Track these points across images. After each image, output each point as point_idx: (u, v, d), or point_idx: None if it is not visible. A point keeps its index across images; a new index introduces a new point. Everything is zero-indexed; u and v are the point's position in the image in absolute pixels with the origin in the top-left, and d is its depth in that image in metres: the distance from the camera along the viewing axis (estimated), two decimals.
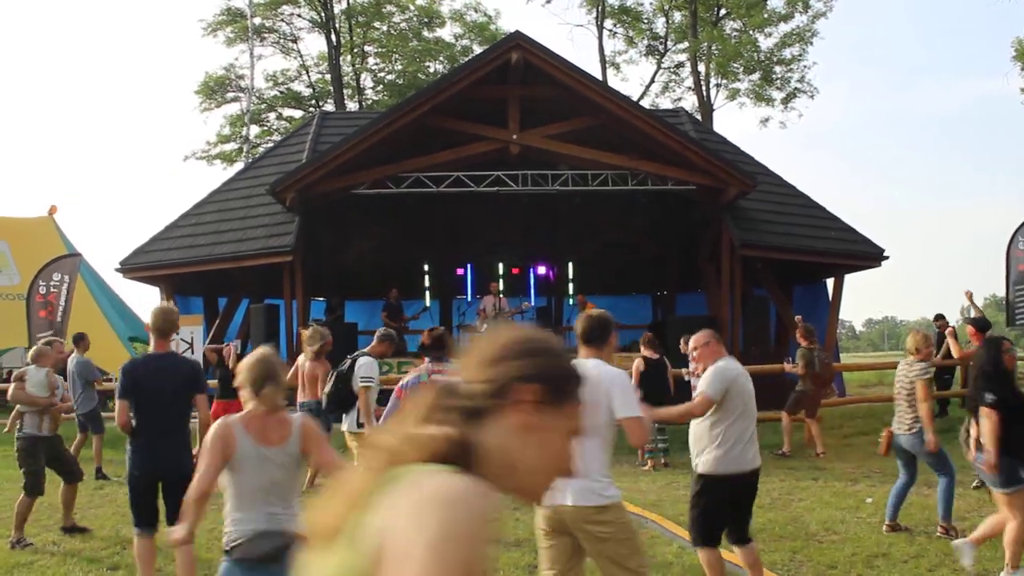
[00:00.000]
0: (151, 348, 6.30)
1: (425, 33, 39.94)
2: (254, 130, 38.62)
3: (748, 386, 5.62)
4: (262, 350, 4.33)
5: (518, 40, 16.14)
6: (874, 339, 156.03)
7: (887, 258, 19.24)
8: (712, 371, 5.56)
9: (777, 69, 36.24)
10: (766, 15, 34.81)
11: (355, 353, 8.84)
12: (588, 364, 4.57)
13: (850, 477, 10.86)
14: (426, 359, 5.96)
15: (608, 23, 37.40)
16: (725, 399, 5.48)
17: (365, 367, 8.36)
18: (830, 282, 20.34)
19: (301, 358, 10.21)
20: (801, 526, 8.07)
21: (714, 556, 5.64)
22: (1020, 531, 6.14)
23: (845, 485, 10.34)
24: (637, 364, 12.50)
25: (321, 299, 20.65)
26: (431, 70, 39.38)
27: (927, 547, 7.22)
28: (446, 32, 40.47)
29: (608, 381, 4.57)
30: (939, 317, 19.16)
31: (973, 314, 14.14)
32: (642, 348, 13.04)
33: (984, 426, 6.19)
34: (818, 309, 20.24)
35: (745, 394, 5.56)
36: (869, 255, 19.24)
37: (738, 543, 5.72)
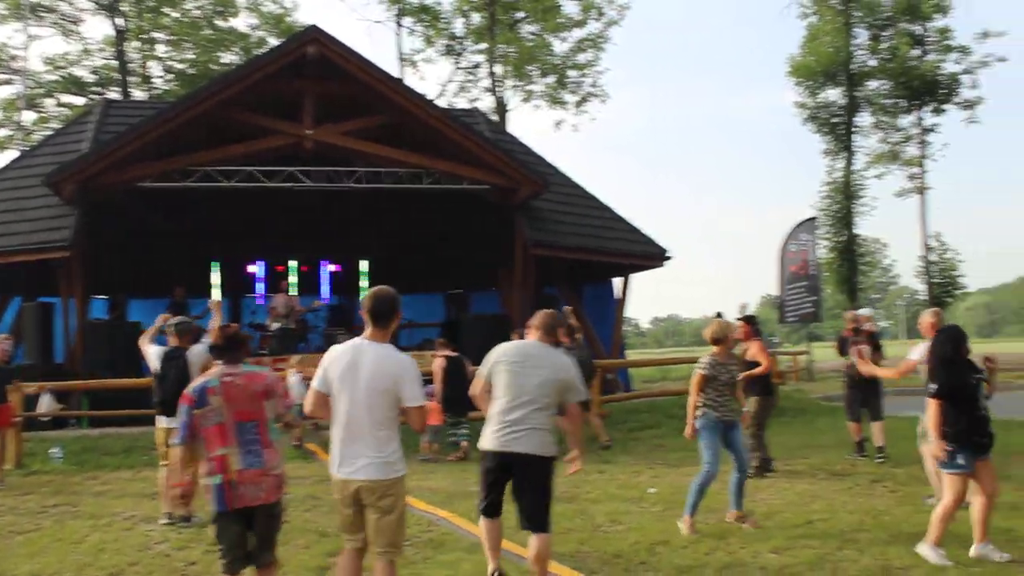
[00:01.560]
0: None
1: (218, 22, 38.68)
2: (29, 116, 36.39)
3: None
4: None
5: (315, 34, 15.92)
6: (659, 336, 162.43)
7: (669, 258, 20.14)
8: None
9: (571, 73, 37.18)
10: (561, 20, 35.65)
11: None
12: (372, 346, 5.04)
13: (634, 469, 11.32)
14: (217, 361, 5.52)
15: (407, 21, 37.40)
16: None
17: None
18: (618, 281, 21.09)
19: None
20: (588, 518, 8.35)
21: (487, 525, 5.96)
22: (948, 510, 6.57)
23: (629, 477, 10.77)
24: (440, 363, 12.93)
25: (103, 297, 19.67)
26: (224, 60, 38.18)
27: (706, 533, 7.62)
28: (240, 22, 39.36)
29: (398, 367, 5.00)
30: (719, 315, 20.21)
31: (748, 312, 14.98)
32: (440, 348, 13.36)
33: (929, 413, 6.60)
34: (606, 307, 20.97)
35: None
36: (653, 255, 20.09)
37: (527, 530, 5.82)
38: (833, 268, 30.46)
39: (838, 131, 31.78)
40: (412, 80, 37.12)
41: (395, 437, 5.02)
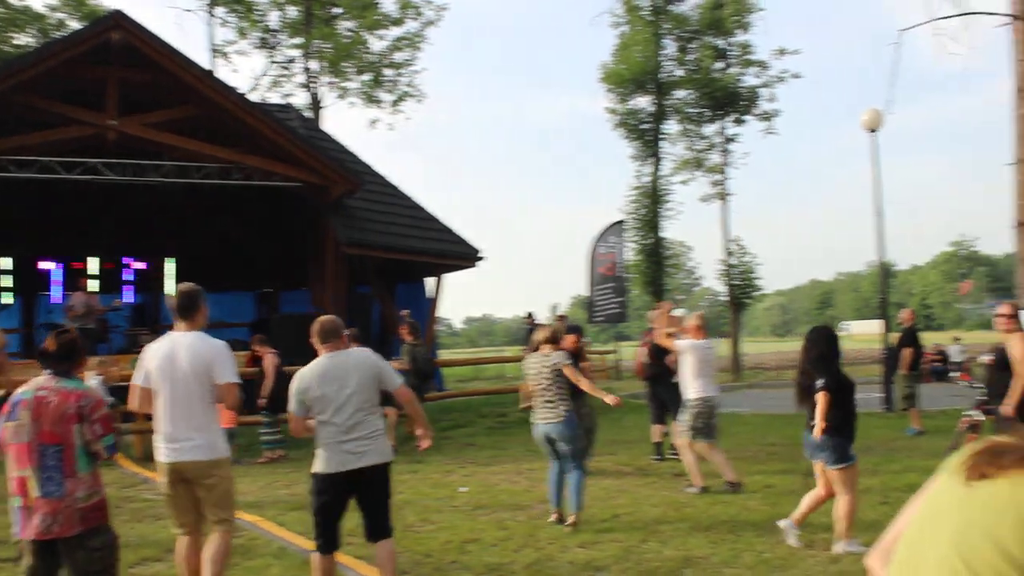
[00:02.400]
0: None
1: (11, 0, 36.42)
2: None
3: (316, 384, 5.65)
4: None
5: (119, 20, 15.21)
6: (472, 336, 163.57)
7: (482, 258, 20.35)
8: None
9: (387, 72, 36.95)
10: (379, 17, 35.38)
11: None
12: (185, 336, 5.42)
13: (446, 468, 11.38)
14: (45, 371, 4.75)
15: (220, 11, 36.25)
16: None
17: None
18: (431, 281, 21.16)
19: None
20: (399, 518, 8.32)
21: (323, 564, 5.61)
22: (850, 505, 6.69)
23: (441, 476, 10.83)
24: (273, 360, 12.95)
25: None
26: (18, 42, 35.98)
27: (516, 531, 7.73)
28: (36, 1, 37.19)
29: (211, 350, 5.39)
30: (529, 315, 20.66)
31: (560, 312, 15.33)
32: (258, 346, 13.19)
33: (818, 407, 6.70)
34: (419, 307, 20.99)
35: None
36: (465, 255, 20.25)
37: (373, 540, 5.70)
38: (641, 270, 31.41)
39: (646, 137, 32.76)
40: (224, 73, 36.14)
41: (215, 419, 5.43)
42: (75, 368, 4.81)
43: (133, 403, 5.44)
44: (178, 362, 5.30)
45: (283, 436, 12.50)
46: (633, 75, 32.12)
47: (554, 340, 8.22)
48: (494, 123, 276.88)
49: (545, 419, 7.99)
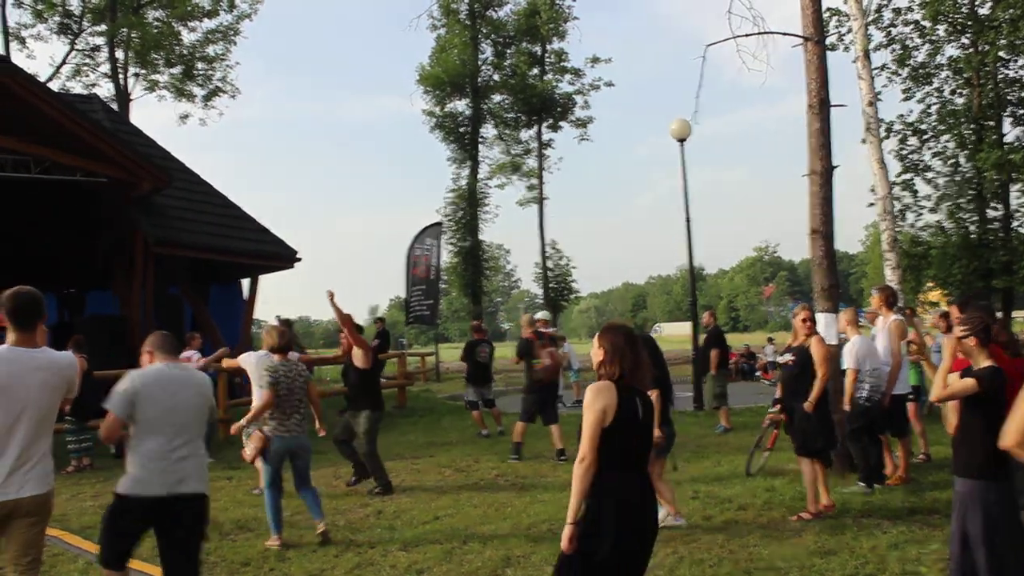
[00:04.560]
0: None
1: None
2: None
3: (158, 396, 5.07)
4: None
5: None
6: None
7: (299, 259, 19.99)
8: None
9: (200, 65, 35.81)
10: (190, 8, 34.23)
11: None
12: (31, 352, 4.49)
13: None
14: None
15: None
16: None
17: None
18: (246, 282, 20.64)
19: None
20: (215, 526, 8.06)
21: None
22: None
23: (258, 482, 10.52)
24: (81, 363, 11.92)
25: None
26: None
27: (334, 537, 7.61)
28: None
29: (69, 366, 4.65)
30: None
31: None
32: (73, 348, 12.48)
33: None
34: (235, 308, 20.43)
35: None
36: (282, 256, 19.83)
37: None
38: (458, 272, 31.54)
39: (464, 141, 32.93)
40: (19, 58, 33.99)
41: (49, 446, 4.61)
42: None
43: None
44: (31, 385, 4.42)
45: (91, 443, 11.90)
46: (450, 78, 32.25)
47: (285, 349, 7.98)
48: (311, 123, 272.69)
49: (292, 432, 7.66)
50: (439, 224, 29.93)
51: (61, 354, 4.71)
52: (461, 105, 33.49)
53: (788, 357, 8.33)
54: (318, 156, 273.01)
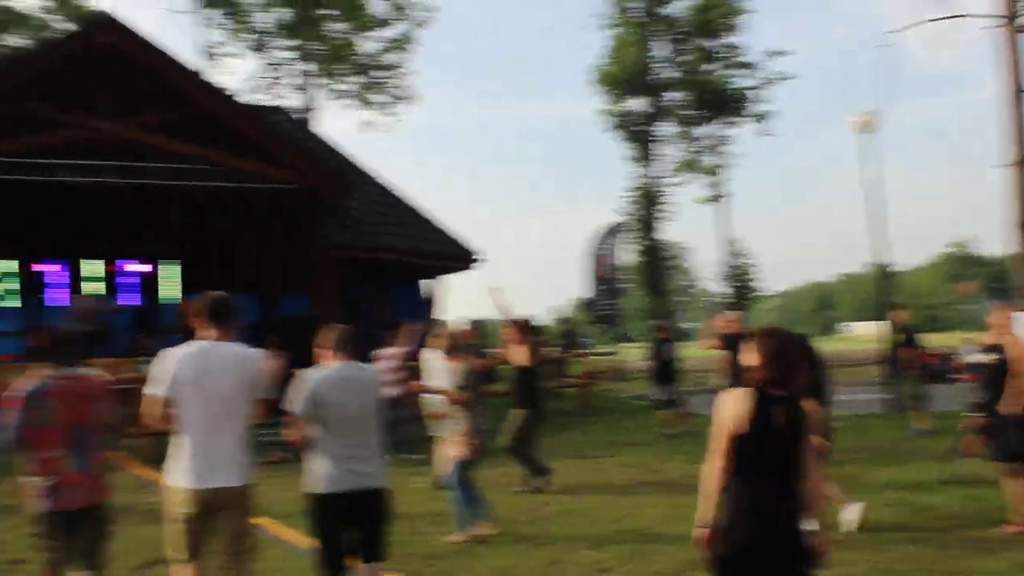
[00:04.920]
0: None
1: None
2: None
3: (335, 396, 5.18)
4: None
5: (108, 21, 15.06)
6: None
7: (479, 260, 20.23)
8: None
9: (379, 74, 36.91)
10: (368, 20, 35.34)
11: None
12: (222, 345, 4.78)
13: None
14: (42, 365, 5.17)
15: (211, 13, 36.15)
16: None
17: None
18: (428, 283, 21.06)
19: None
20: (408, 521, 8.15)
21: None
22: None
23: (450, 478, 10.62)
24: (277, 363, 12.40)
25: None
26: (6, 43, 35.81)
27: (522, 535, 7.59)
28: (23, 2, 36.91)
29: (254, 362, 4.88)
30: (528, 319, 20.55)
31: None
32: (272, 348, 12.98)
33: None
34: (416, 309, 20.86)
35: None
36: (462, 257, 20.12)
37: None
38: (639, 272, 31.35)
39: (641, 139, 32.74)
40: (217, 75, 35.91)
41: (247, 439, 4.84)
42: (75, 357, 5.22)
43: (149, 415, 4.76)
44: (217, 375, 4.69)
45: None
46: (626, 76, 32.08)
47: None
48: (487, 125, 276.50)
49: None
50: (619, 224, 29.78)
51: (250, 349, 4.90)
52: (637, 103, 33.30)
53: (985, 358, 7.77)
54: (496, 157, 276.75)
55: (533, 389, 9.99)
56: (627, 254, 30.67)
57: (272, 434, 12.27)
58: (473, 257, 20.22)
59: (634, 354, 29.26)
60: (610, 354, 30.25)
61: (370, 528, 5.16)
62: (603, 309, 28.34)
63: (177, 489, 4.64)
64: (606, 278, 28.27)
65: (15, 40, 34.81)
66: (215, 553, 4.73)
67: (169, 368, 4.69)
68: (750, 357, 4.08)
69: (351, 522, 5.09)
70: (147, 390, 4.74)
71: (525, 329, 10.16)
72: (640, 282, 31.85)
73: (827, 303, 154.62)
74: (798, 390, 4.06)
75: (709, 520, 3.97)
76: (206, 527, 4.65)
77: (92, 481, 5.10)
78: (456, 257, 20.11)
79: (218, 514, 4.65)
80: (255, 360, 4.88)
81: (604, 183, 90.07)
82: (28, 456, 5.03)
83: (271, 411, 5.00)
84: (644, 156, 32.79)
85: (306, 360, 5.73)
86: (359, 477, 5.04)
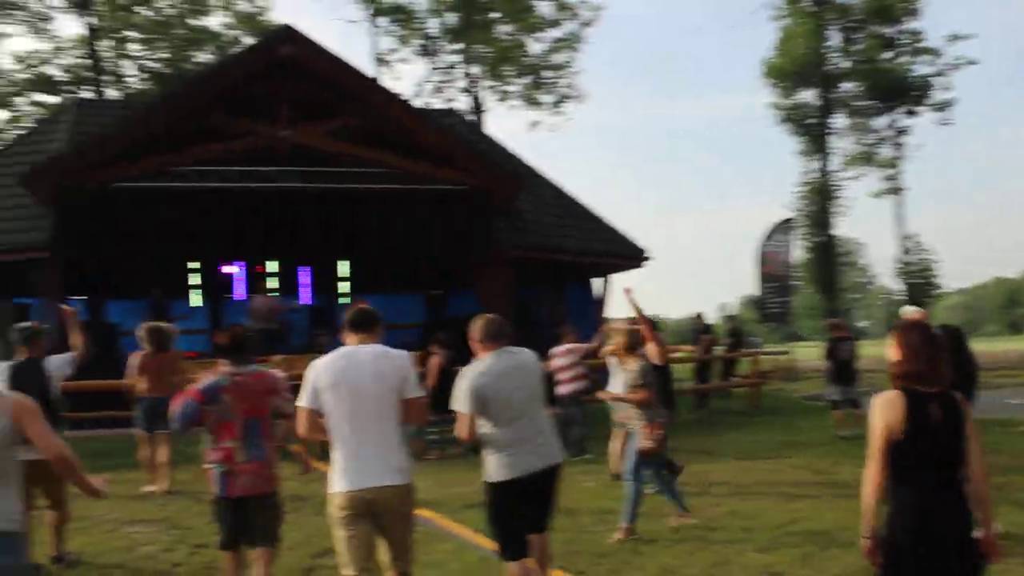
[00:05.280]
0: None
1: (191, 20, 38.43)
2: (1, 115, 36.03)
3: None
4: None
5: (288, 34, 15.82)
6: None
7: (649, 258, 20.16)
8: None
9: (547, 74, 37.19)
10: (536, 20, 35.65)
11: None
12: (365, 349, 4.85)
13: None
14: (223, 362, 5.69)
15: (382, 21, 37.27)
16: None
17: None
18: (598, 281, 21.12)
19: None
20: (574, 518, 8.26)
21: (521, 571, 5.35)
22: None
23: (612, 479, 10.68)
24: (438, 360, 12.90)
25: (80, 298, 19.48)
26: (198, 59, 37.95)
27: (687, 533, 7.59)
28: (214, 21, 39.11)
29: (398, 361, 4.87)
30: (699, 315, 20.34)
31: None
32: (434, 347, 13.34)
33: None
34: (588, 308, 20.95)
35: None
36: (632, 255, 20.10)
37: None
38: (811, 268, 30.58)
39: (813, 132, 31.90)
40: (388, 80, 37.02)
41: (401, 439, 4.89)
42: (250, 355, 5.78)
43: (301, 427, 4.90)
44: (361, 377, 4.74)
45: (452, 433, 12.66)
46: (796, 68, 31.31)
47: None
48: (653, 121, 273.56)
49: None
50: (790, 220, 29.06)
51: (394, 350, 4.96)
52: (809, 95, 32.46)
53: None
54: (662, 154, 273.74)
55: (666, 389, 9.98)
56: (798, 250, 29.90)
57: (433, 432, 12.68)
58: (643, 256, 20.18)
59: (807, 353, 28.52)
60: (782, 353, 29.58)
61: (541, 504, 5.40)
62: (772, 307, 27.69)
63: (335, 494, 4.73)
64: (776, 275, 27.60)
65: (208, 57, 36.78)
66: (380, 553, 4.84)
67: (311, 379, 4.80)
68: (891, 352, 4.01)
69: (527, 503, 5.30)
70: (297, 402, 4.93)
71: (653, 328, 10.17)
72: (811, 279, 31.02)
73: (1016, 299, 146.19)
74: (944, 384, 3.95)
75: (871, 529, 3.91)
76: (367, 529, 4.72)
77: (263, 471, 5.60)
78: (626, 256, 20.12)
79: (378, 515, 4.72)
80: (399, 360, 4.90)
81: (758, 179, 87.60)
82: (209, 445, 5.61)
83: (430, 410, 5.15)
84: (816, 149, 31.92)
85: (467, 358, 5.88)
86: (534, 458, 5.24)
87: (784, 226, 28.18)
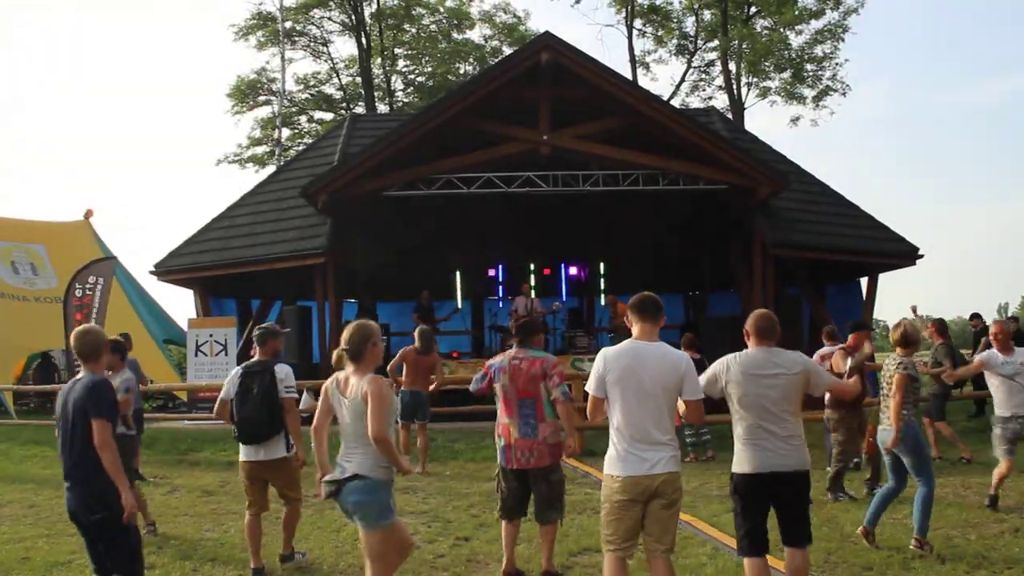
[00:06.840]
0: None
1: (454, 35, 40.05)
2: (285, 133, 38.89)
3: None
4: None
5: (548, 41, 16.15)
6: None
7: (921, 256, 19.08)
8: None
9: (808, 67, 35.95)
10: (797, 12, 34.53)
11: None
12: (648, 345, 5.07)
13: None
14: (511, 344, 6.67)
15: (637, 23, 37.27)
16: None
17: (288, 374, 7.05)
18: (864, 280, 20.23)
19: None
20: (836, 527, 7.99)
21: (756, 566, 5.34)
22: None
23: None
24: None
25: (352, 300, 20.73)
26: (461, 71, 39.46)
27: (966, 549, 7.12)
28: (475, 34, 40.56)
29: (679, 363, 5.03)
30: (975, 316, 18.97)
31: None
32: (683, 349, 13.11)
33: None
34: (852, 308, 20.11)
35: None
36: (903, 253, 19.11)
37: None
38: None
39: None
40: (644, 81, 37.00)
41: (674, 432, 5.09)
42: (532, 342, 6.57)
43: (589, 412, 5.22)
44: (642, 373, 4.95)
45: (709, 435, 12.52)
46: None
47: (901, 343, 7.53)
48: (927, 109, 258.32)
49: (881, 426, 7.49)
50: None
51: (676, 353, 5.14)
52: None
53: None
54: (935, 145, 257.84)
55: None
56: None
57: (692, 435, 12.54)
58: (914, 253, 19.11)
59: None
60: None
61: (787, 511, 5.36)
62: None
63: (609, 476, 5.01)
64: None
65: (470, 68, 38.19)
66: (643, 539, 5.02)
67: (599, 368, 5.08)
68: None
69: (769, 503, 5.34)
70: (586, 387, 5.18)
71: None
72: None
73: None
74: None
75: None
76: (637, 513, 4.93)
77: (536, 447, 6.28)
78: (896, 254, 19.13)
79: (646, 502, 4.91)
80: (677, 361, 5.05)
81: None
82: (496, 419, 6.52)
83: (702, 412, 5.18)
84: None
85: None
86: (774, 457, 5.25)
87: None
